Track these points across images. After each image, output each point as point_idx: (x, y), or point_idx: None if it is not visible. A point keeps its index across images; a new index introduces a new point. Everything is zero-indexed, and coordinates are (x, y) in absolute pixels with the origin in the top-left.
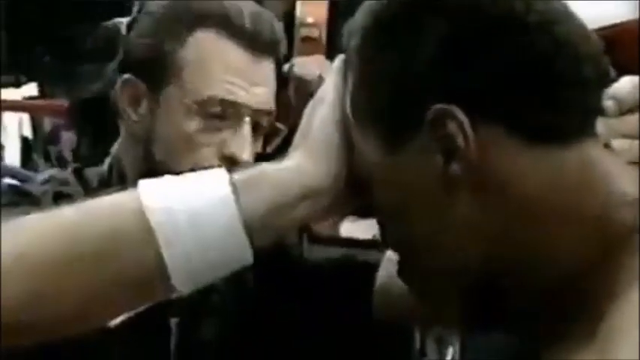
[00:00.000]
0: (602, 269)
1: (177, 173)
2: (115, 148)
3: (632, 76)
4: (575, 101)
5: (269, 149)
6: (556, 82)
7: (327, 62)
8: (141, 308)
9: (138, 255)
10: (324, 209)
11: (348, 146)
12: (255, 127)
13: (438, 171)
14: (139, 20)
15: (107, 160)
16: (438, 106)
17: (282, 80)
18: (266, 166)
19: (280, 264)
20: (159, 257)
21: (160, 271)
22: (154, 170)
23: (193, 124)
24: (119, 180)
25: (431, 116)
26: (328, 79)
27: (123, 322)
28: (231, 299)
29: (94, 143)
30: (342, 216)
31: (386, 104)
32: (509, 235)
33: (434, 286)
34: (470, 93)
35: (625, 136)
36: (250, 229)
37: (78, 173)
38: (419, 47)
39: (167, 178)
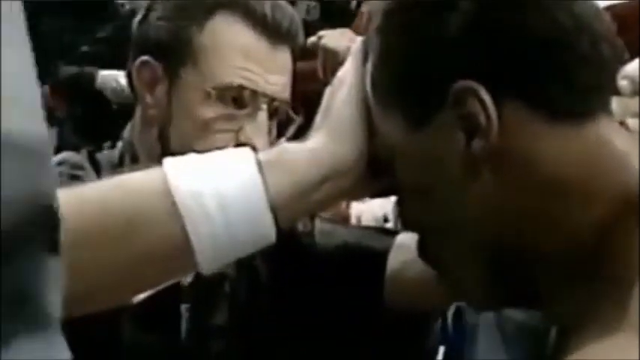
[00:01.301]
0: (624, 242)
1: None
2: (127, 131)
3: None
4: (593, 79)
5: (284, 138)
6: (575, 60)
7: (355, 36)
8: (160, 286)
9: (164, 233)
10: (347, 190)
11: (368, 127)
12: (271, 116)
13: (460, 148)
14: (159, 3)
15: (118, 144)
16: (461, 83)
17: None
18: (289, 147)
19: (292, 252)
20: (185, 236)
21: (185, 249)
22: (167, 154)
23: (210, 110)
24: (132, 164)
25: (454, 93)
26: (348, 61)
27: (134, 306)
28: (243, 287)
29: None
30: (361, 198)
31: (409, 82)
32: (529, 211)
33: (456, 263)
34: (492, 71)
35: (636, 115)
36: (275, 208)
37: (90, 157)
38: (443, 26)
39: (192, 156)
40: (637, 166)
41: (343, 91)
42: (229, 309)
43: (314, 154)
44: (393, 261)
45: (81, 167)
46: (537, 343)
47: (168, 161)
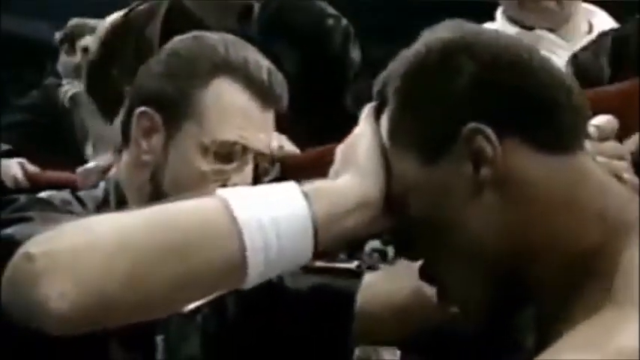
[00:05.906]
0: (607, 252)
1: None
2: (112, 172)
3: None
4: (570, 122)
5: None
6: (557, 107)
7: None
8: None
9: (223, 247)
10: (370, 220)
11: (385, 169)
12: (255, 168)
13: (469, 176)
14: (164, 59)
15: (101, 185)
16: (471, 124)
17: None
18: (323, 182)
19: (261, 290)
20: (242, 250)
21: (239, 263)
22: (159, 194)
23: (205, 161)
24: (118, 203)
25: (465, 133)
26: (363, 121)
27: (112, 337)
28: (213, 320)
29: None
30: (377, 231)
31: (426, 127)
32: (525, 225)
33: (460, 280)
34: (494, 114)
35: (603, 155)
36: (316, 227)
37: (74, 195)
38: (452, 85)
39: (241, 187)
40: (611, 187)
41: (364, 141)
42: (200, 341)
43: (346, 187)
44: (362, 299)
45: (70, 203)
46: None
47: (221, 191)
